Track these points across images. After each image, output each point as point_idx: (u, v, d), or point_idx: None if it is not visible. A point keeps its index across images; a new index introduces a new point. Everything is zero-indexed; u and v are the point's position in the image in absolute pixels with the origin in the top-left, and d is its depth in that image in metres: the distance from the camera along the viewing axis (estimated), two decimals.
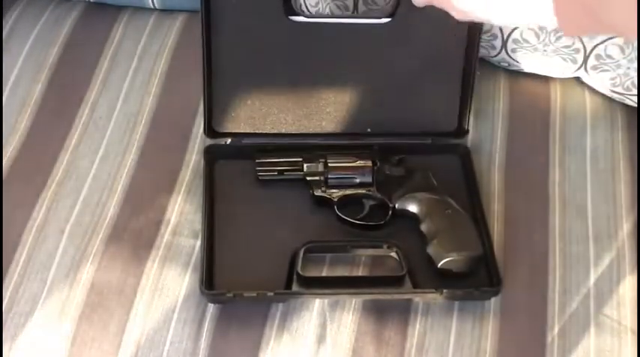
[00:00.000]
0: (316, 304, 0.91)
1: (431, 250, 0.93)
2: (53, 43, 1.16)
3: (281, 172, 1.00)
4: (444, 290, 0.89)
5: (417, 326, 0.90)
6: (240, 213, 0.98)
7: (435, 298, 0.90)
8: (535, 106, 1.10)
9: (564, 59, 1.07)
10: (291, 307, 0.91)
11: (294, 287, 0.91)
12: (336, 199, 0.97)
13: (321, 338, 0.89)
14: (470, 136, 1.05)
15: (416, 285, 0.92)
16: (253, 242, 0.95)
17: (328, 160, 0.99)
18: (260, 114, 1.03)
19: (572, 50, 1.05)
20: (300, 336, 0.89)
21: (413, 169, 1.00)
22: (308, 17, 1.00)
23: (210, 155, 1.02)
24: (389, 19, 0.99)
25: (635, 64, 1.04)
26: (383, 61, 1.02)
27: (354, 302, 0.91)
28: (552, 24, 0.63)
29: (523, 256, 0.96)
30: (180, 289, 0.92)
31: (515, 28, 1.06)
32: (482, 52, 1.10)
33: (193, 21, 1.15)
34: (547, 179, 1.03)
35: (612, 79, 1.07)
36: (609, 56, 1.04)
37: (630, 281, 0.94)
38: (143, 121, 1.07)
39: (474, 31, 1.00)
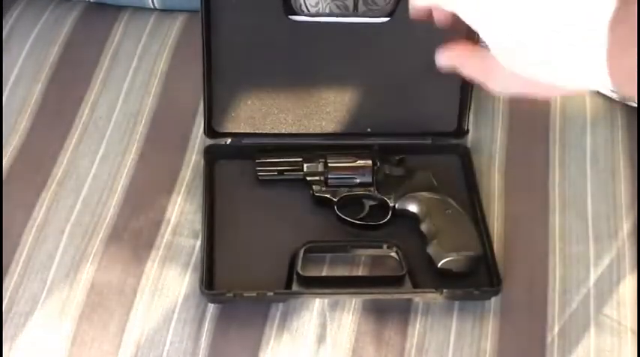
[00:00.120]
0: (316, 304, 0.91)
1: (431, 250, 0.93)
2: (53, 43, 1.16)
3: (281, 172, 1.00)
4: (444, 290, 0.89)
5: (417, 326, 0.90)
6: (240, 213, 0.98)
7: (435, 298, 0.90)
8: (535, 106, 1.10)
9: None
10: (291, 307, 0.91)
11: (294, 287, 0.91)
12: (336, 199, 0.97)
13: (321, 338, 0.89)
14: (470, 136, 1.05)
15: (416, 285, 0.92)
16: (253, 242, 0.95)
17: (328, 160, 0.99)
18: (260, 114, 1.03)
19: None
20: (300, 336, 0.89)
21: (413, 169, 1.00)
22: (308, 17, 1.00)
23: (210, 155, 1.02)
24: (388, 19, 0.99)
25: None
26: (383, 61, 1.02)
27: (354, 302, 0.91)
28: (606, 86, 0.58)
29: (523, 257, 0.96)
30: (180, 289, 0.92)
31: None
32: None
33: (193, 21, 1.15)
34: (547, 179, 1.03)
35: None
36: None
37: (630, 281, 0.95)
38: (143, 121, 1.07)
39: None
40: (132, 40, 1.16)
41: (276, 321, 0.90)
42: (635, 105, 1.09)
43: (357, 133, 1.04)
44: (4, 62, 1.13)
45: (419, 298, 0.91)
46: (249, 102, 1.02)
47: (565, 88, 0.61)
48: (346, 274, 0.94)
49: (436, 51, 0.72)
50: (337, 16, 1.02)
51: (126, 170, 1.02)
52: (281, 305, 0.91)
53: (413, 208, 0.97)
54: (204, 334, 0.89)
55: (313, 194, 0.98)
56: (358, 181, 0.98)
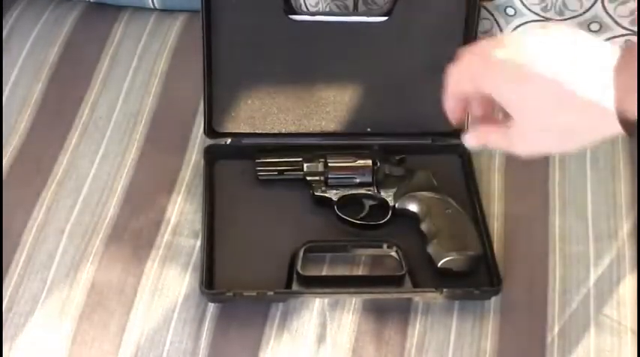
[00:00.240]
0: (316, 304, 0.91)
1: (431, 249, 0.93)
2: (53, 43, 1.16)
3: (281, 172, 1.00)
4: (444, 290, 0.89)
5: (417, 326, 0.90)
6: (240, 213, 0.98)
7: (435, 297, 0.90)
8: None
9: None
10: (291, 307, 0.91)
11: (294, 287, 0.91)
12: (336, 199, 0.97)
13: (321, 338, 0.89)
14: None
15: (416, 284, 0.92)
16: (253, 242, 0.95)
17: (328, 160, 0.99)
18: (260, 114, 1.03)
19: None
20: (300, 336, 0.89)
21: (413, 169, 1.00)
22: (308, 16, 1.00)
23: (210, 155, 1.02)
24: (387, 18, 0.99)
25: None
26: (383, 61, 1.02)
27: (354, 302, 0.91)
28: (616, 131, 0.66)
29: (523, 256, 0.96)
30: (180, 288, 0.92)
31: (515, 28, 1.06)
32: None
33: (193, 21, 1.15)
34: (547, 179, 1.03)
35: None
36: None
37: (630, 281, 0.94)
38: (143, 121, 1.07)
39: (471, 29, 1.00)
40: (132, 40, 1.16)
41: (276, 321, 0.90)
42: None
43: (357, 133, 1.04)
44: (4, 62, 1.13)
45: (419, 298, 0.91)
46: (249, 102, 1.03)
47: (584, 141, 0.70)
48: (346, 273, 0.94)
49: (463, 136, 0.79)
50: (337, 16, 1.02)
51: (126, 170, 1.02)
52: (281, 305, 0.91)
53: (413, 207, 0.97)
54: (205, 334, 0.89)
55: (313, 194, 0.98)
56: (358, 181, 0.98)
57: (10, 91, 1.10)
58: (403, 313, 0.91)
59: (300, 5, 1.09)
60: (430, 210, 0.95)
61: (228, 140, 1.04)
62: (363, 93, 1.03)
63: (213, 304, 0.91)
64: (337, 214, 0.96)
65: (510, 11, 1.04)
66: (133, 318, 0.90)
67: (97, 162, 1.03)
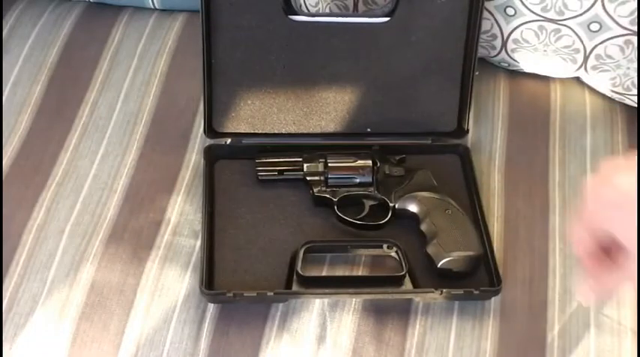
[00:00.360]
0: (316, 304, 0.91)
1: (431, 249, 0.93)
2: (53, 43, 1.16)
3: (281, 172, 1.00)
4: (444, 290, 0.89)
5: (417, 326, 0.90)
6: (240, 213, 0.98)
7: (435, 297, 0.90)
8: (535, 106, 1.10)
9: (564, 59, 1.07)
10: (291, 307, 0.91)
11: (294, 287, 0.91)
12: (336, 199, 0.97)
13: (321, 338, 0.89)
14: (470, 136, 1.05)
15: (416, 285, 0.92)
16: (253, 242, 0.95)
17: (328, 160, 0.99)
18: (260, 114, 1.03)
19: (572, 50, 1.05)
20: (300, 336, 0.89)
21: (413, 169, 1.00)
22: (308, 16, 1.00)
23: (210, 155, 1.02)
24: (388, 19, 0.99)
25: (635, 64, 1.04)
26: (383, 61, 1.02)
27: (354, 302, 0.91)
28: None
29: (523, 256, 0.96)
30: (180, 289, 0.92)
31: (515, 28, 1.06)
32: (483, 52, 1.10)
33: (193, 21, 1.15)
34: (547, 179, 1.03)
35: (612, 79, 1.07)
36: (609, 56, 1.04)
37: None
38: (143, 121, 1.07)
39: (472, 30, 1.00)
40: (132, 40, 1.16)
41: (276, 321, 0.90)
42: (636, 105, 1.09)
43: (357, 133, 1.04)
44: (4, 62, 1.13)
45: (419, 298, 0.91)
46: (249, 102, 1.02)
47: None
48: (346, 274, 0.94)
49: (577, 292, 0.78)
50: (337, 16, 1.02)
51: (126, 170, 1.02)
52: (281, 305, 0.91)
53: (413, 207, 0.97)
54: (204, 334, 0.89)
55: (313, 194, 0.98)
56: (358, 181, 0.98)
57: (10, 91, 1.10)
58: (403, 313, 0.91)
59: (300, 5, 1.09)
60: (430, 210, 0.95)
61: (228, 140, 1.04)
62: (363, 93, 1.03)
63: (213, 305, 0.91)
64: (337, 214, 0.96)
65: (510, 11, 1.04)
66: (133, 318, 0.90)
67: (97, 162, 1.03)
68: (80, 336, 0.89)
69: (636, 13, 0.99)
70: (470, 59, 1.01)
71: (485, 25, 1.06)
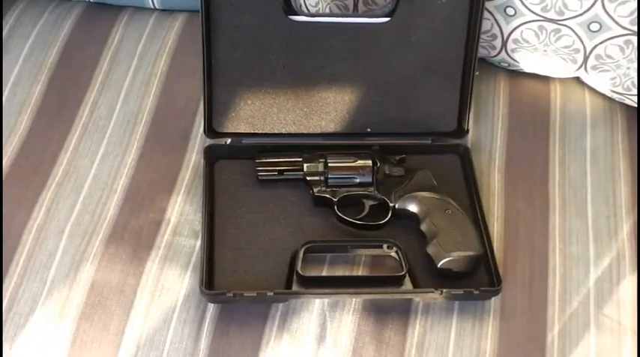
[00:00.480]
0: (316, 304, 0.91)
1: (431, 249, 0.93)
2: (53, 43, 1.16)
3: (281, 172, 1.00)
4: (444, 290, 0.89)
5: (417, 326, 0.90)
6: (240, 213, 0.98)
7: (435, 297, 0.90)
8: (535, 106, 1.10)
9: (564, 59, 1.07)
10: (291, 307, 0.91)
11: (294, 287, 0.91)
12: (336, 199, 0.97)
13: (321, 338, 0.89)
14: (470, 136, 1.05)
15: (416, 285, 0.92)
16: (253, 242, 0.95)
17: (328, 160, 0.99)
18: (260, 114, 1.03)
19: (572, 50, 1.05)
20: (300, 336, 0.89)
21: (413, 169, 1.00)
22: (308, 16, 1.00)
23: (210, 155, 1.02)
24: (388, 19, 0.99)
25: (635, 64, 1.04)
26: (383, 61, 1.02)
27: (354, 302, 0.91)
28: None
29: (523, 256, 0.96)
30: (180, 289, 0.92)
31: (515, 28, 1.06)
32: (483, 52, 1.10)
33: (193, 21, 1.15)
34: (547, 179, 1.03)
35: (612, 79, 1.07)
36: (609, 56, 1.04)
37: (630, 281, 0.94)
38: (143, 121, 1.07)
39: (473, 30, 1.00)
40: (132, 40, 1.16)
41: (276, 321, 0.90)
42: (636, 105, 1.09)
43: (357, 133, 1.04)
44: (4, 62, 1.13)
45: (419, 298, 0.91)
46: (249, 102, 1.02)
47: None
48: (346, 274, 0.94)
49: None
50: (337, 16, 1.02)
51: (126, 170, 1.02)
52: (281, 305, 0.91)
53: (413, 208, 0.97)
54: (204, 334, 0.89)
55: (313, 194, 0.98)
56: (358, 181, 0.98)
57: (10, 91, 1.10)
58: (403, 313, 0.91)
59: (300, 5, 1.09)
60: (430, 210, 0.95)
61: (228, 140, 1.04)
62: (363, 93, 1.03)
63: (213, 305, 0.91)
64: (337, 214, 0.96)
65: (510, 11, 1.04)
66: (133, 318, 0.90)
67: (97, 162, 1.03)
68: (80, 336, 0.89)
69: (636, 13, 0.99)
70: (470, 59, 1.01)
71: (486, 25, 1.06)
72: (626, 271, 0.95)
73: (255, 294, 0.89)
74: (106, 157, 1.04)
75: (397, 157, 1.00)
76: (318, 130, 1.04)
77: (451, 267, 0.92)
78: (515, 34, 1.06)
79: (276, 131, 1.04)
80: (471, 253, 0.93)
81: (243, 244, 0.95)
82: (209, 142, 1.03)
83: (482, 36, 1.06)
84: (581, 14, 1.01)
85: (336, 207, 0.97)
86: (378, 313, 0.91)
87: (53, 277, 0.93)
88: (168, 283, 0.92)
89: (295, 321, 0.90)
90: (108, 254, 0.94)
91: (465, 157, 1.04)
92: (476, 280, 0.92)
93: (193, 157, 1.03)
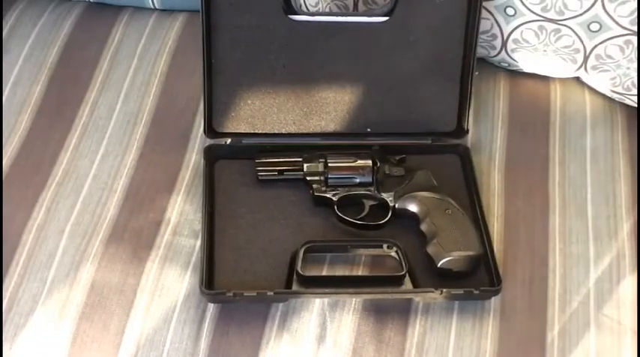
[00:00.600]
0: (316, 304, 0.91)
1: (431, 249, 0.93)
2: (53, 43, 1.16)
3: (281, 172, 1.00)
4: (444, 290, 0.89)
5: (417, 326, 0.90)
6: (240, 213, 0.98)
7: (435, 297, 0.90)
8: (535, 106, 1.10)
9: (564, 59, 1.07)
10: (291, 307, 0.91)
11: (294, 287, 0.91)
12: (336, 199, 0.97)
13: (321, 338, 0.89)
14: (470, 136, 1.05)
15: (416, 285, 0.92)
16: (253, 242, 0.95)
17: (328, 160, 0.99)
18: (260, 114, 1.03)
19: (572, 50, 1.05)
20: (300, 336, 0.89)
21: (413, 169, 1.00)
22: (308, 16, 1.00)
23: (210, 155, 1.02)
24: (387, 18, 0.99)
25: (635, 64, 1.04)
26: (382, 61, 1.02)
27: (354, 302, 0.91)
28: None
29: (523, 256, 0.96)
30: (180, 289, 0.92)
31: (515, 28, 1.06)
32: (482, 52, 1.10)
33: (193, 21, 1.15)
34: (547, 179, 1.03)
35: (612, 79, 1.07)
36: (609, 56, 1.04)
37: (630, 281, 0.94)
38: (143, 121, 1.07)
39: (471, 30, 1.00)
40: (132, 40, 1.16)
41: (276, 321, 0.90)
42: (636, 105, 1.09)
43: (357, 133, 1.04)
44: (4, 62, 1.13)
45: (419, 298, 0.91)
46: (249, 102, 1.02)
47: None
48: (346, 274, 0.94)
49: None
50: (337, 16, 1.02)
51: (126, 170, 1.02)
52: (281, 305, 0.91)
53: (413, 207, 0.97)
54: (204, 334, 0.89)
55: (313, 194, 0.98)
56: (358, 181, 0.98)
57: (10, 91, 1.10)
58: (403, 313, 0.91)
59: (300, 5, 1.09)
60: (430, 210, 0.95)
61: (228, 140, 1.04)
62: (363, 93, 1.03)
63: (213, 305, 0.91)
64: (337, 214, 0.96)
65: (510, 11, 1.04)
66: (133, 318, 0.90)
67: (97, 162, 1.03)
68: (80, 336, 0.89)
69: (636, 13, 0.99)
70: (469, 59, 1.01)
71: (485, 25, 1.06)
72: (626, 271, 0.95)
73: (255, 294, 0.89)
74: (106, 157, 1.04)
75: (397, 157, 1.00)
76: (318, 130, 1.04)
77: (451, 267, 0.92)
78: (515, 34, 1.06)
79: (276, 131, 1.04)
80: (470, 253, 0.93)
81: (243, 244, 0.95)
82: (209, 142, 1.03)
83: (482, 36, 1.06)
84: (581, 14, 1.01)
85: (336, 207, 0.97)
86: (378, 312, 0.91)
87: (53, 277, 0.93)
88: (168, 283, 0.92)
89: (295, 321, 0.90)
90: (108, 254, 0.94)
91: (464, 157, 1.04)
92: (476, 280, 0.92)
93: (193, 157, 1.03)
